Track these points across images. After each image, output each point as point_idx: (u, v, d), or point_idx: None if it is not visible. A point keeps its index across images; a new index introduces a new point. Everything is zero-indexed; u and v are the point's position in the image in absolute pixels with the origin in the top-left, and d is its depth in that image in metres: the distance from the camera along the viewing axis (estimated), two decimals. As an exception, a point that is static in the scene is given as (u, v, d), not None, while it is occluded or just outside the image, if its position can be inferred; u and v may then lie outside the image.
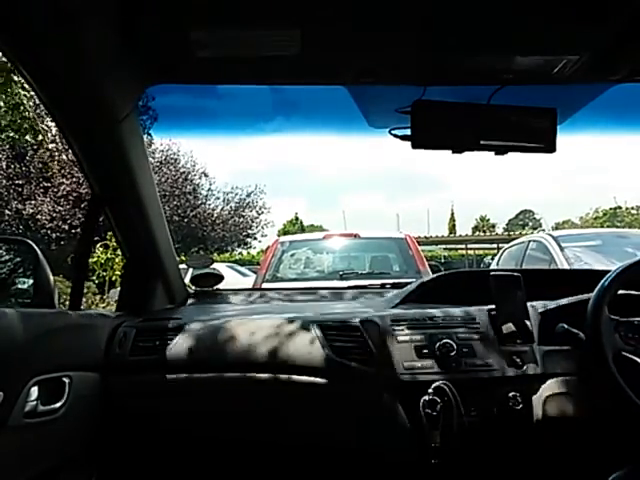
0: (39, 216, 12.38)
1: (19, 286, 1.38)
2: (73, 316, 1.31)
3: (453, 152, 1.33)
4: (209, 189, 17.60)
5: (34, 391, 1.07)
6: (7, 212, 12.12)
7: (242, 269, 10.85)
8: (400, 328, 1.35)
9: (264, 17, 1.08)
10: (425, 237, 17.55)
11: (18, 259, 1.39)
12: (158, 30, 1.12)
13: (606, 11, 1.08)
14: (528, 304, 1.38)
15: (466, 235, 22.03)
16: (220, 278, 1.93)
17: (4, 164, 12.17)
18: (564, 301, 1.39)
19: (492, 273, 1.41)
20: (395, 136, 1.32)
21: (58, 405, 1.13)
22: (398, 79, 1.33)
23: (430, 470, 1.25)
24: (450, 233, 25.22)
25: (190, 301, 1.85)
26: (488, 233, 29.41)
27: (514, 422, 1.26)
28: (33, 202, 12.55)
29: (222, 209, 17.84)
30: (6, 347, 1.02)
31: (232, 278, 8.12)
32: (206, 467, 1.42)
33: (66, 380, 1.17)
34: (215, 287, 1.95)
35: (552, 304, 1.40)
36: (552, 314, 1.37)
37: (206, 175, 17.29)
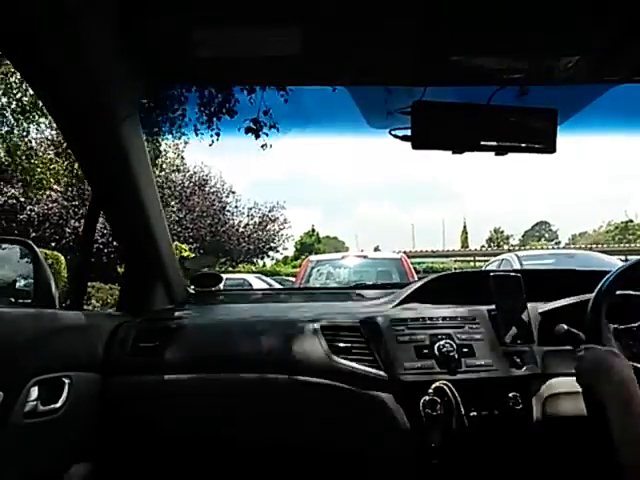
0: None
1: (19, 286, 1.36)
2: (73, 316, 1.29)
3: (453, 152, 1.31)
4: (235, 206, 19.36)
5: (34, 391, 1.06)
6: (67, 230, 13.71)
7: (268, 279, 11.45)
8: (400, 328, 1.34)
9: (264, 17, 1.07)
10: (432, 251, 19.63)
11: (18, 259, 1.37)
12: (159, 30, 1.11)
13: (606, 11, 1.07)
14: (528, 304, 1.37)
15: (482, 248, 24.61)
16: (220, 279, 1.90)
17: (61, 188, 13.43)
18: (564, 301, 1.37)
19: (492, 273, 1.39)
20: (395, 136, 1.30)
21: (58, 405, 1.12)
22: (398, 79, 1.32)
23: (430, 470, 1.23)
24: (462, 246, 26.00)
25: (190, 301, 1.82)
26: (503, 245, 29.96)
27: (514, 422, 1.25)
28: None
29: (247, 224, 19.38)
30: (6, 347, 1.01)
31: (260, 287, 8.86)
32: (206, 467, 1.40)
33: (66, 380, 1.16)
34: (215, 287, 1.91)
35: (552, 304, 1.38)
36: (552, 314, 1.36)
37: (233, 192, 19.15)
